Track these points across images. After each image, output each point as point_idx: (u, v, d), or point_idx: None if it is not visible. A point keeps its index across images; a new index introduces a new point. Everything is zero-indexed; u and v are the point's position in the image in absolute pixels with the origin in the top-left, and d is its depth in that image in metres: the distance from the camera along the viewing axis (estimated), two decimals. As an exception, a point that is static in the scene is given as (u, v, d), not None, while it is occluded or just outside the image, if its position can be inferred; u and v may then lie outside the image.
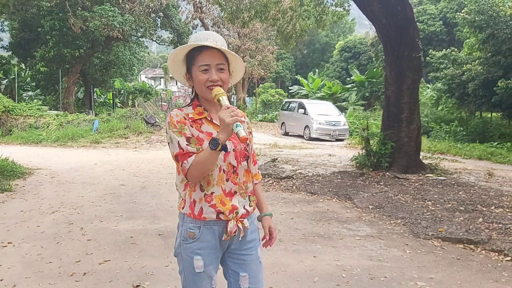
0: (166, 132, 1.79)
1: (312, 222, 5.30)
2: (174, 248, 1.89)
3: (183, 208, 1.82)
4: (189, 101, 1.89)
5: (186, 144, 1.71)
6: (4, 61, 23.95)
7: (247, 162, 1.87)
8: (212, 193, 1.76)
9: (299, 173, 8.56)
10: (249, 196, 1.89)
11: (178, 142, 1.71)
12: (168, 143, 1.78)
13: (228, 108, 1.64)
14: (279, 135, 18.98)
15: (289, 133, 18.82)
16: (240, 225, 1.80)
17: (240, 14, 11.70)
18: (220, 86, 1.74)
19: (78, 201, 6.35)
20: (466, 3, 16.33)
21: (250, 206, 1.87)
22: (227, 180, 1.78)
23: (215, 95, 1.70)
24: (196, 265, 1.78)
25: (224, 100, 1.68)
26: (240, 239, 1.84)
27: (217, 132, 1.70)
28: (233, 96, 26.99)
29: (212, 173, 1.75)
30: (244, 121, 1.81)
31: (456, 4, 27.07)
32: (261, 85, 34.12)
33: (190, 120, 1.77)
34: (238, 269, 1.88)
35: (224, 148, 1.65)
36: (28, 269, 3.70)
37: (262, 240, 2.00)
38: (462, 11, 16.22)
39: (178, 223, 1.87)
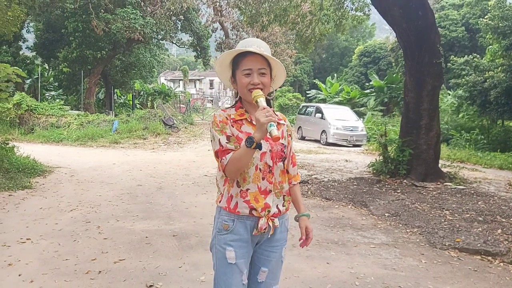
0: (210, 131, 1.93)
1: (326, 228, 5.27)
2: (210, 241, 2.01)
3: (220, 202, 1.95)
4: (233, 103, 2.03)
5: (226, 142, 1.85)
6: (29, 61, 24.57)
7: (284, 163, 1.98)
8: (247, 189, 1.88)
9: (315, 178, 8.52)
10: (284, 196, 1.98)
11: (219, 139, 1.86)
12: (211, 140, 1.93)
13: (264, 108, 1.74)
14: (296, 139, 18.91)
15: (306, 138, 18.73)
16: (270, 223, 1.90)
17: (260, 17, 11.74)
18: (261, 89, 1.85)
19: (95, 200, 6.46)
20: (489, 8, 16.05)
21: (283, 206, 1.97)
22: (263, 178, 1.89)
23: (254, 97, 1.82)
24: (228, 256, 1.88)
25: (262, 102, 1.79)
26: (269, 236, 1.95)
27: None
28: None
29: (248, 170, 1.87)
30: (284, 124, 2.03)
31: (479, 10, 26.60)
32: (278, 88, 34.11)
33: (231, 121, 1.91)
34: (260, 263, 1.99)
35: (259, 146, 1.76)
36: (45, 266, 3.78)
37: (299, 240, 2.08)
38: (485, 17, 15.92)
39: (215, 216, 1.99)
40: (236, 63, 1.92)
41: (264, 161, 1.88)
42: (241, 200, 1.87)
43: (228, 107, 2.00)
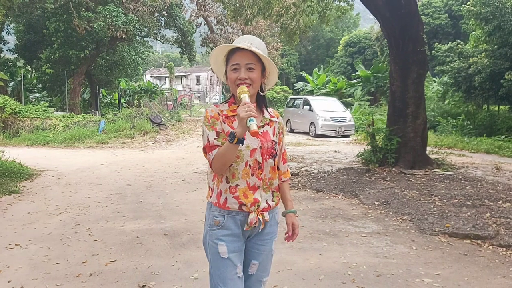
0: (202, 125, 1.95)
1: (317, 219, 5.29)
2: (203, 237, 2.03)
3: (210, 197, 1.97)
4: (227, 99, 2.04)
5: (214, 138, 1.86)
6: (10, 63, 24.12)
7: (274, 160, 1.99)
8: (236, 185, 1.89)
9: (305, 170, 8.54)
10: (273, 191, 2.00)
11: (208, 135, 1.88)
12: (202, 135, 1.95)
13: (245, 104, 1.75)
14: (284, 132, 18.89)
15: (294, 130, 18.77)
16: (260, 218, 1.92)
17: (243, 11, 11.66)
18: (249, 85, 1.87)
19: (84, 201, 6.38)
20: (471, -6, 16.13)
21: (272, 201, 1.99)
22: (252, 175, 1.90)
23: (238, 93, 1.83)
24: (220, 250, 1.90)
25: (245, 98, 1.80)
26: (260, 230, 1.97)
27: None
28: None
29: (237, 166, 1.88)
30: (276, 121, 2.05)
31: (462, -4, 26.78)
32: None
33: (223, 116, 1.92)
34: (251, 256, 2.02)
35: (241, 142, 1.77)
36: (35, 271, 3.73)
37: (285, 235, 2.12)
38: (468, 3, 16.03)
39: (206, 212, 2.02)
40: (227, 60, 1.94)
41: (254, 158, 1.90)
42: (230, 195, 1.89)
43: (221, 103, 2.02)
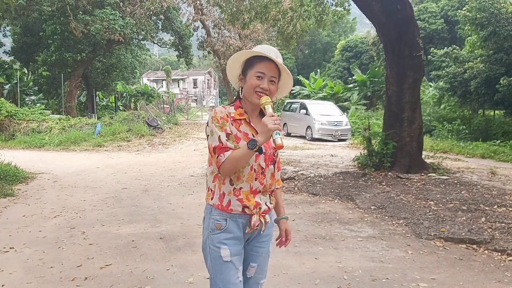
0: (208, 125, 1.92)
1: (313, 223, 5.29)
2: (202, 242, 2.01)
3: (211, 199, 1.95)
4: (232, 101, 2.05)
5: (226, 140, 1.86)
6: (7, 66, 24.02)
7: (274, 166, 2.03)
8: (240, 188, 1.90)
9: (301, 174, 8.54)
10: (269, 195, 2.03)
11: (219, 136, 1.86)
12: (208, 135, 1.92)
13: (272, 116, 1.81)
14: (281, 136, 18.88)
15: (291, 134, 18.79)
16: (262, 220, 1.95)
17: (240, 15, 11.70)
18: (267, 96, 1.91)
19: (80, 205, 6.35)
20: (467, 0, 16.28)
21: (270, 203, 2.03)
22: (256, 179, 1.93)
23: (263, 103, 1.88)
24: (223, 254, 1.89)
25: (269, 108, 1.86)
26: (261, 232, 2.01)
27: (253, 134, 1.90)
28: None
29: (243, 170, 1.89)
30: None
31: (457, 2, 27.03)
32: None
33: (231, 119, 1.92)
34: (250, 259, 2.03)
35: (260, 150, 1.84)
36: (29, 274, 3.71)
37: (276, 240, 2.16)
38: (463, 9, 16.17)
39: (204, 217, 1.99)
40: (250, 64, 1.95)
41: (258, 163, 1.92)
42: (234, 198, 1.89)
43: (227, 105, 2.02)
